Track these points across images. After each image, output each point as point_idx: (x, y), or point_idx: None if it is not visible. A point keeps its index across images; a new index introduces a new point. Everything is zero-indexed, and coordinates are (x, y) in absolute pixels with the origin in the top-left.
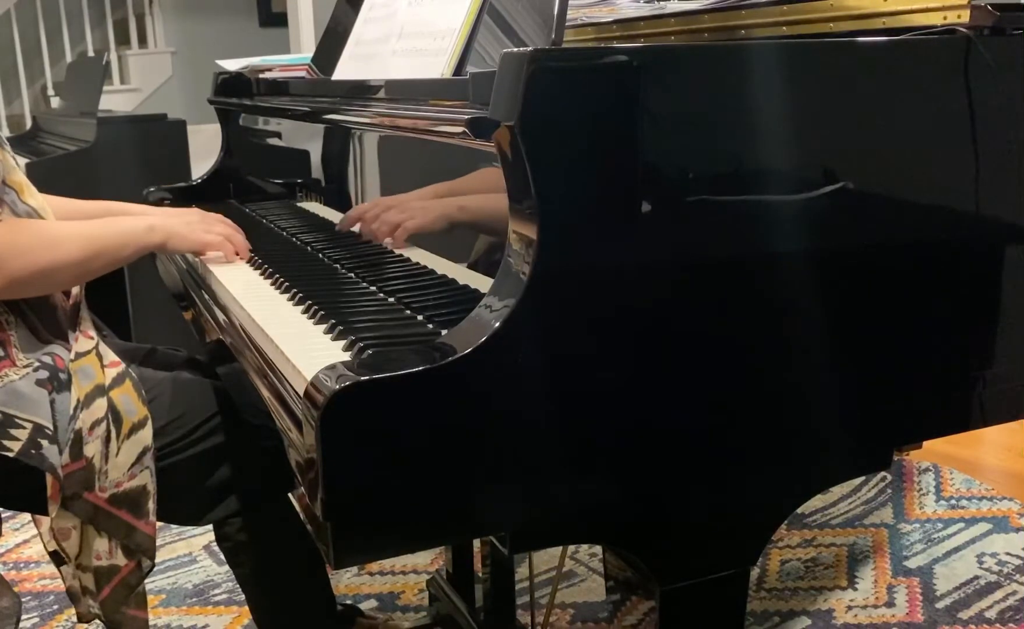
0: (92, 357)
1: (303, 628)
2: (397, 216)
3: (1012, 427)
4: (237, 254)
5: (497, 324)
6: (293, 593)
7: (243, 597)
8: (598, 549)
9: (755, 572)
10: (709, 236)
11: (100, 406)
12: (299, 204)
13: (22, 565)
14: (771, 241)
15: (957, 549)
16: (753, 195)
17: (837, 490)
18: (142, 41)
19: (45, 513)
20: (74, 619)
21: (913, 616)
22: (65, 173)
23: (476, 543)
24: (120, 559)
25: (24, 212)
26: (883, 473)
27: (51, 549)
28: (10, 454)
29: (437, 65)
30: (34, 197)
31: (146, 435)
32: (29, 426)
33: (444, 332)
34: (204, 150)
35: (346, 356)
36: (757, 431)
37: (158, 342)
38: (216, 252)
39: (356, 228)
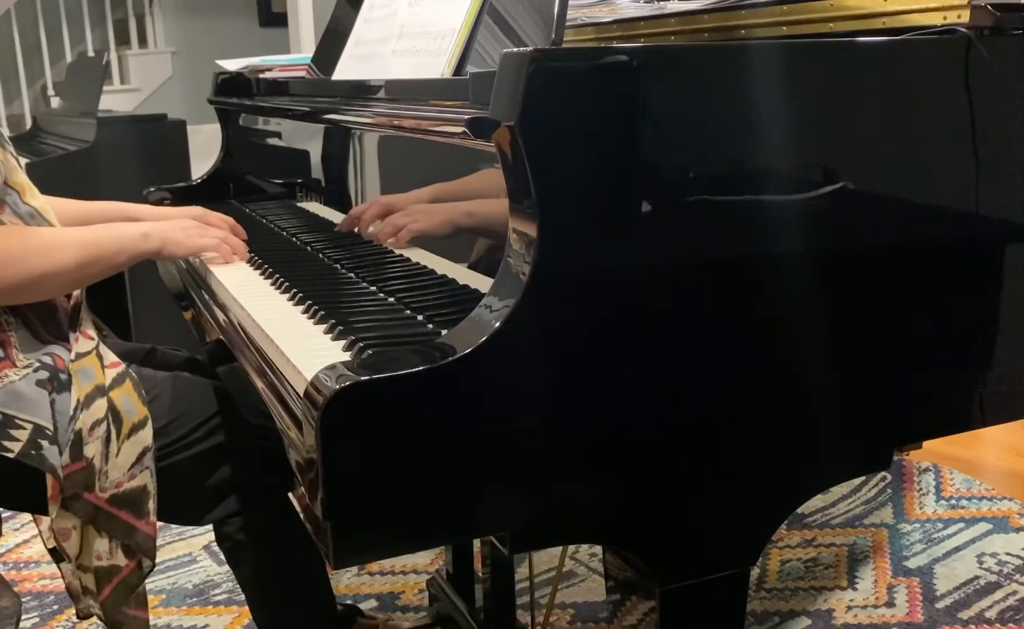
0: (92, 357)
1: (303, 628)
2: (402, 219)
3: (1012, 427)
4: (228, 258)
5: (497, 324)
6: (293, 593)
7: (243, 597)
8: (598, 549)
9: (755, 572)
10: (709, 236)
11: (100, 406)
12: (299, 204)
13: (22, 565)
14: (771, 241)
15: (957, 549)
16: (753, 195)
17: (837, 490)
18: (142, 41)
19: (45, 513)
20: (74, 619)
21: (913, 616)
22: (65, 173)
23: (476, 543)
24: (120, 559)
25: (26, 213)
26: (883, 473)
27: (51, 546)
28: (10, 455)
29: (437, 65)
30: (35, 198)
31: (146, 435)
32: (29, 427)
33: (444, 332)
34: (204, 150)
35: (346, 356)
36: (757, 431)
37: (158, 342)
38: (214, 253)
39: (358, 228)
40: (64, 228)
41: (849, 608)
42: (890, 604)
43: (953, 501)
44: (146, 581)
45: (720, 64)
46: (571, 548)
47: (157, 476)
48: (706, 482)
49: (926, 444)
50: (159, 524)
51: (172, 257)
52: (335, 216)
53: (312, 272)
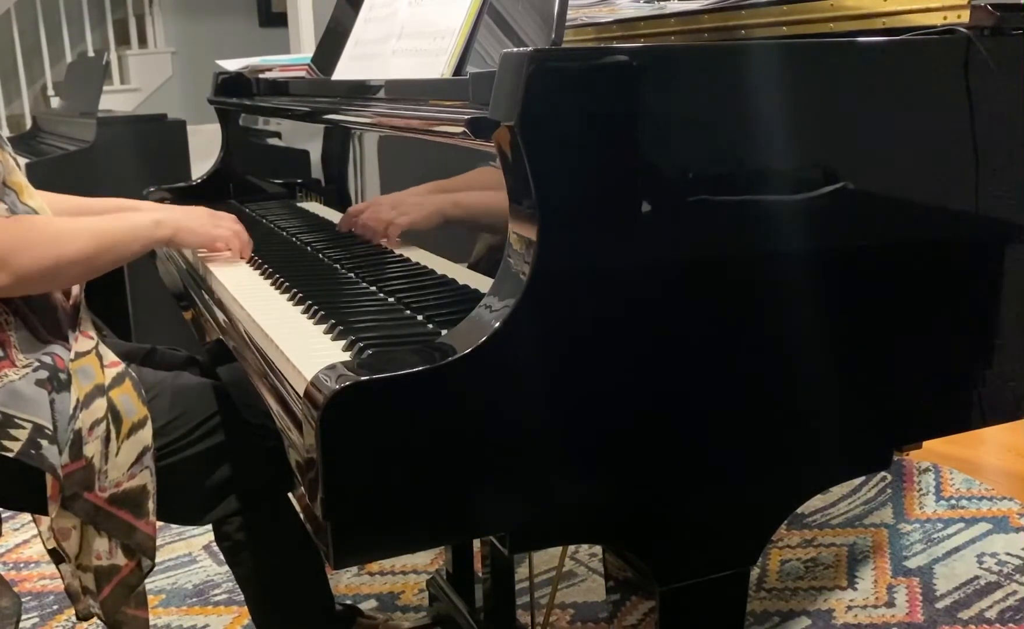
0: (92, 357)
1: (303, 628)
2: (390, 213)
3: (1012, 427)
4: (241, 252)
5: (497, 324)
6: (292, 593)
7: (243, 597)
8: (598, 549)
9: (755, 572)
10: (709, 236)
11: (100, 406)
12: (299, 204)
13: (22, 565)
14: (771, 241)
15: (957, 549)
16: (752, 195)
17: (837, 490)
18: (142, 41)
19: (45, 513)
20: (74, 619)
21: (913, 616)
22: (65, 173)
23: (476, 543)
24: (120, 559)
25: (24, 213)
26: (883, 473)
27: (50, 547)
28: (10, 454)
29: (437, 65)
30: (33, 198)
31: (146, 435)
32: (29, 426)
33: (444, 332)
34: (204, 150)
35: (346, 356)
36: (757, 431)
37: (158, 342)
38: (219, 251)
39: (355, 228)
40: (76, 218)
41: (849, 608)
42: (890, 604)
43: (953, 501)
44: (146, 581)
45: (720, 64)
46: (571, 548)
47: (157, 476)
48: (706, 482)
49: (926, 444)
50: (159, 524)
51: (184, 245)
52: (335, 216)
53: (312, 272)
